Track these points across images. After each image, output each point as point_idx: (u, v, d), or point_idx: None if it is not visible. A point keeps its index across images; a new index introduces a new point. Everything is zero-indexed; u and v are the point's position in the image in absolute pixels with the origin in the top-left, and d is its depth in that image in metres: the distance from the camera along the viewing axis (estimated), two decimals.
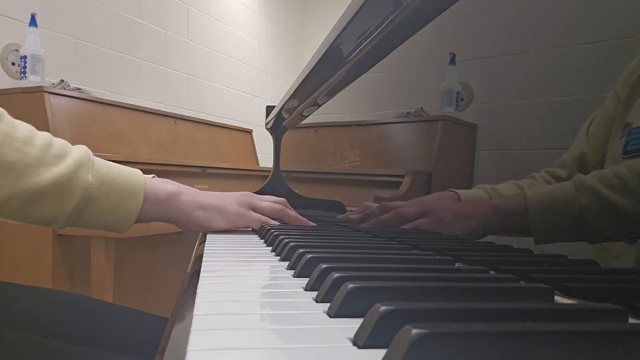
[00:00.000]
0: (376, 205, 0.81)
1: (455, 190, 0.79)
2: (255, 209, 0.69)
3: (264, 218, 0.69)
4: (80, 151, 0.57)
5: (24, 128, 0.54)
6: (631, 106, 0.66)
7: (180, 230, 0.68)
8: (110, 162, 0.60)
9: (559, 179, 0.76)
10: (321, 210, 1.16)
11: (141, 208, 0.59)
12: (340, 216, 0.90)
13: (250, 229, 0.72)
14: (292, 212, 0.74)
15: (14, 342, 0.59)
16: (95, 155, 0.61)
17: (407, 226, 0.69)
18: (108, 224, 0.59)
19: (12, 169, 0.51)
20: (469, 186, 0.93)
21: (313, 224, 0.74)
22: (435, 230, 0.67)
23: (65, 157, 0.55)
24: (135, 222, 0.63)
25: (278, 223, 0.69)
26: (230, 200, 0.67)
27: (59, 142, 0.57)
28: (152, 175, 0.80)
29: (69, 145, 0.58)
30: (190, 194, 0.64)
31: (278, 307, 0.29)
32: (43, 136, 0.56)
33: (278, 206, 0.72)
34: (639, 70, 0.65)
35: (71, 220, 0.56)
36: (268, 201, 0.73)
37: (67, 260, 1.53)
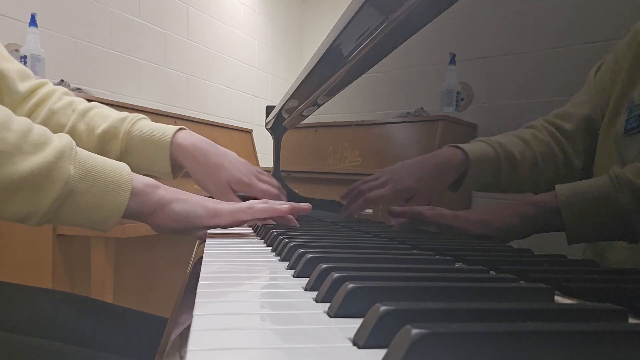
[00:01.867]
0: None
1: (460, 146, 0.73)
2: (254, 188, 0.68)
3: (257, 215, 0.62)
4: (62, 140, 0.51)
5: (0, 110, 0.48)
6: (635, 81, 0.62)
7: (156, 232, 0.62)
8: (95, 154, 0.55)
9: (563, 132, 0.71)
10: (321, 210, 1.16)
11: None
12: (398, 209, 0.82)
13: (251, 229, 0.72)
14: (285, 207, 0.67)
15: (14, 343, 0.59)
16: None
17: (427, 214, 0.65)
18: (88, 222, 0.52)
19: None
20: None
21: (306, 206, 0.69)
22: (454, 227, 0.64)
23: (46, 145, 0.49)
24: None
25: (264, 206, 0.63)
26: (208, 200, 0.62)
27: (39, 129, 0.50)
28: (179, 127, 0.79)
29: (50, 132, 0.51)
30: (168, 188, 0.59)
31: (278, 307, 0.29)
32: (21, 121, 0.49)
33: (274, 190, 0.71)
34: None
35: (47, 217, 0.50)
36: (267, 183, 0.70)
37: (67, 260, 1.53)
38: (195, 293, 0.30)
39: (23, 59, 1.75)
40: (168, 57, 2.77)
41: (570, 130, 0.68)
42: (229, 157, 0.79)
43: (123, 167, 0.54)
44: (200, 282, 0.33)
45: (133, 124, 0.78)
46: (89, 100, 0.85)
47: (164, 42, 2.75)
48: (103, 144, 0.76)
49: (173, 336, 0.24)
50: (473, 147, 0.71)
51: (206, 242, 0.55)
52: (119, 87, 2.43)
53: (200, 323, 0.24)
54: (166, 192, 0.58)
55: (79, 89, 1.92)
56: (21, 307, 0.75)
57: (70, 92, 0.84)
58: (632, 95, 0.63)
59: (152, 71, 2.66)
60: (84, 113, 0.79)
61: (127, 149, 0.76)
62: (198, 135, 0.79)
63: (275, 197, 0.73)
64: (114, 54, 2.41)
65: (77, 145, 0.53)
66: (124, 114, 0.80)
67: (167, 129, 0.77)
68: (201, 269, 0.38)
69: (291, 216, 0.68)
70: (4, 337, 0.59)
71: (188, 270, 0.42)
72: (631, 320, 0.25)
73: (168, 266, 1.94)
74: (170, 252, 1.96)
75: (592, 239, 0.55)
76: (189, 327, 0.23)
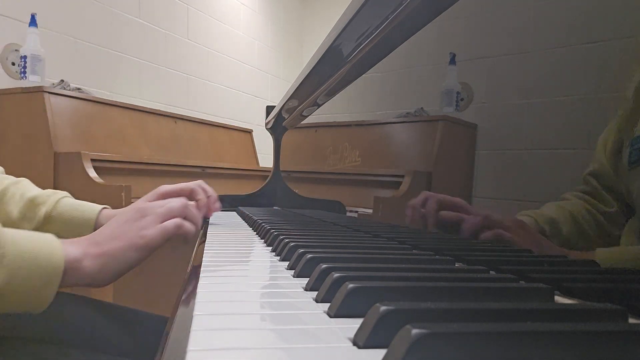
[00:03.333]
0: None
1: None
2: (161, 218, 0.61)
3: (160, 230, 0.60)
4: None
5: None
6: (637, 117, 0.63)
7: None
8: (30, 238, 0.50)
9: (585, 195, 0.73)
10: (321, 210, 1.16)
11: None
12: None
13: (251, 229, 0.72)
14: (194, 211, 0.65)
15: (18, 342, 0.59)
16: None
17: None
18: (18, 310, 0.51)
19: None
20: (469, 186, 0.92)
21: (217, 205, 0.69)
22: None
23: None
24: None
25: (175, 222, 0.61)
26: (134, 227, 0.59)
27: None
28: (103, 207, 0.76)
29: None
30: (92, 251, 0.55)
31: (278, 307, 0.29)
32: None
33: (178, 205, 0.64)
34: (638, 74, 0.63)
35: None
36: (166, 207, 0.63)
37: None
38: (195, 293, 0.30)
39: (23, 59, 1.75)
40: (168, 57, 2.77)
41: (594, 186, 0.70)
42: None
43: (55, 254, 0.51)
44: (200, 282, 0.33)
45: (62, 197, 0.77)
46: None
47: (164, 42, 2.75)
48: (32, 207, 0.74)
49: (173, 336, 0.24)
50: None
51: (206, 242, 0.55)
52: (119, 87, 2.43)
53: (200, 323, 0.24)
54: (92, 259, 0.54)
55: (79, 89, 1.92)
56: None
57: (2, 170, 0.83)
58: (634, 130, 0.63)
59: (152, 71, 2.66)
60: (17, 182, 0.80)
61: (52, 216, 0.74)
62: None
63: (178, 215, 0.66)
64: (114, 54, 2.41)
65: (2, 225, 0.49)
66: (52, 190, 0.80)
67: (93, 206, 0.77)
68: (201, 268, 0.38)
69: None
70: (8, 337, 0.59)
71: (188, 270, 0.42)
72: (631, 320, 0.25)
73: (168, 266, 1.93)
74: (170, 252, 1.96)
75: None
76: (189, 327, 0.23)
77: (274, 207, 1.34)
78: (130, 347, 0.73)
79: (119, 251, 0.56)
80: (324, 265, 0.33)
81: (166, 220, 0.61)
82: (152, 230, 0.59)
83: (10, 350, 0.57)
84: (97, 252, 0.55)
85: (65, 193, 0.81)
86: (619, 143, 0.67)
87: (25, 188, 0.79)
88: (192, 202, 0.69)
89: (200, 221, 0.65)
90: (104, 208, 0.78)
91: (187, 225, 0.62)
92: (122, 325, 0.76)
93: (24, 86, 1.69)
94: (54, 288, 0.51)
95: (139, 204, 0.68)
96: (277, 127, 1.21)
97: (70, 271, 0.52)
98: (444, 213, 0.70)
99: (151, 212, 0.62)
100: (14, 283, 0.48)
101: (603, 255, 0.55)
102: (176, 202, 0.64)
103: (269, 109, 1.25)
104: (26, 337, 0.61)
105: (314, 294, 0.31)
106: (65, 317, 0.74)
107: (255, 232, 0.69)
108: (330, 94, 0.82)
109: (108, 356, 0.62)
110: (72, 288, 0.58)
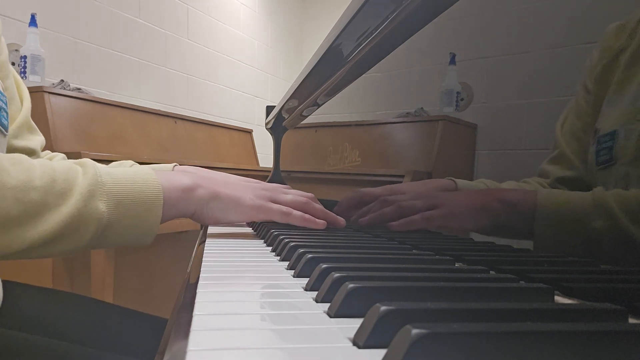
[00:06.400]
0: (372, 193, 0.76)
1: (454, 180, 0.74)
2: (276, 202, 0.63)
3: (284, 209, 0.62)
4: (87, 177, 0.51)
5: (19, 170, 0.48)
6: (600, 103, 0.63)
7: (186, 229, 0.65)
8: (120, 171, 0.54)
9: (544, 183, 0.74)
10: None
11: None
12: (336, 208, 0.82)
13: (251, 229, 0.72)
14: (319, 205, 0.67)
15: (22, 342, 0.59)
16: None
17: (416, 217, 0.64)
18: (129, 241, 0.54)
19: (17, 224, 0.46)
20: None
21: (342, 220, 0.67)
22: (444, 224, 0.64)
23: (72, 191, 0.49)
24: None
25: (301, 214, 0.62)
26: (249, 192, 0.62)
27: (62, 174, 0.50)
28: (174, 164, 0.81)
29: (74, 170, 0.51)
30: (206, 184, 0.59)
31: (278, 307, 0.29)
32: (44, 172, 0.49)
33: (302, 199, 0.65)
34: (602, 62, 0.62)
35: (90, 248, 0.52)
36: (292, 194, 0.66)
37: (67, 260, 1.53)
38: (195, 293, 0.30)
39: (23, 59, 1.75)
40: (168, 57, 2.77)
41: (550, 186, 0.70)
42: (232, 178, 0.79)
43: (152, 183, 0.54)
44: (200, 282, 0.33)
45: (131, 166, 0.83)
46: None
47: (164, 42, 2.75)
48: None
49: (173, 336, 0.24)
50: (467, 183, 0.73)
51: (206, 242, 0.55)
52: (119, 87, 2.43)
53: (200, 323, 0.24)
54: (205, 191, 0.58)
55: (79, 89, 1.92)
56: (29, 307, 0.75)
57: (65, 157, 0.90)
58: (597, 126, 0.63)
59: (152, 71, 2.66)
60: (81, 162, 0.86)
61: None
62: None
63: (300, 209, 0.67)
64: (114, 54, 2.41)
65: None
66: (120, 162, 0.86)
67: (164, 167, 0.82)
68: (201, 269, 0.38)
69: (333, 214, 0.67)
70: (12, 336, 0.60)
71: (188, 270, 0.42)
72: (631, 320, 0.25)
73: (168, 266, 1.94)
74: (170, 252, 1.96)
75: (559, 250, 0.54)
76: (189, 327, 0.23)
77: None
78: (131, 347, 0.74)
79: (226, 198, 0.59)
80: (324, 265, 0.33)
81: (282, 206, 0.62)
82: (261, 201, 0.61)
83: (18, 348, 0.58)
84: (209, 186, 0.59)
85: (132, 162, 0.85)
86: (582, 132, 0.67)
87: (93, 163, 0.82)
88: (319, 206, 0.67)
89: (314, 224, 0.63)
90: (176, 165, 0.82)
91: (296, 218, 0.62)
92: (125, 326, 0.77)
93: None
94: (158, 212, 0.54)
95: (267, 185, 0.70)
96: (277, 127, 1.21)
97: (182, 199, 0.56)
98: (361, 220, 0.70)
99: (273, 190, 0.64)
100: (119, 209, 0.51)
101: (543, 199, 0.55)
102: (301, 197, 0.65)
103: (269, 109, 1.25)
104: (33, 336, 0.62)
105: (314, 294, 0.31)
106: (71, 317, 0.74)
107: (255, 232, 0.69)
108: (330, 94, 0.82)
109: (110, 356, 0.63)
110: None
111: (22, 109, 0.81)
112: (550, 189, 0.70)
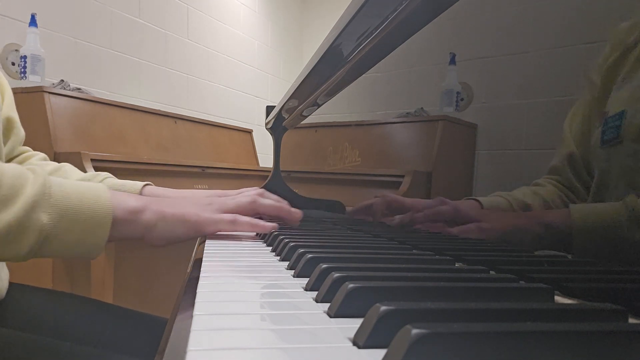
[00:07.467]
0: (401, 200, 0.78)
1: (477, 198, 0.77)
2: (225, 210, 0.63)
3: (229, 217, 0.61)
4: (35, 187, 0.50)
5: None
6: (608, 94, 0.64)
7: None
8: (73, 184, 0.53)
9: (558, 184, 0.75)
10: (321, 210, 1.16)
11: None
12: (352, 210, 0.81)
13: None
14: (268, 201, 0.66)
15: (25, 341, 0.59)
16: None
17: (472, 226, 0.66)
18: (73, 255, 0.53)
19: None
20: (469, 186, 0.92)
21: (298, 213, 0.67)
22: (492, 238, 0.65)
23: (16, 198, 0.48)
24: None
25: (247, 219, 0.62)
26: (195, 208, 0.61)
27: (9, 181, 0.49)
28: (145, 183, 0.82)
29: (23, 177, 0.50)
30: (154, 207, 0.58)
31: (278, 307, 0.29)
32: None
33: (247, 199, 0.64)
34: (612, 55, 0.63)
35: (30, 257, 0.50)
36: (238, 198, 0.65)
37: (67, 260, 1.53)
38: (195, 293, 0.30)
39: (23, 59, 1.75)
40: (168, 57, 2.77)
41: (562, 183, 0.72)
42: (193, 193, 0.83)
43: (102, 200, 0.53)
44: (200, 282, 0.33)
45: (103, 178, 0.84)
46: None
47: (164, 42, 2.75)
48: None
49: (173, 336, 0.24)
50: (489, 200, 0.75)
51: (206, 243, 0.55)
52: (119, 87, 2.43)
53: (200, 323, 0.24)
54: (151, 214, 0.57)
55: (79, 89, 1.92)
56: (29, 307, 0.75)
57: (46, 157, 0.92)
58: (606, 110, 0.64)
59: (152, 71, 2.66)
60: (58, 167, 0.86)
61: None
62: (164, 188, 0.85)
63: (249, 212, 0.67)
64: (114, 54, 2.41)
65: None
66: (94, 173, 0.87)
67: (135, 183, 0.83)
68: (201, 269, 0.38)
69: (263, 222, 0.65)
70: (12, 336, 0.60)
71: (188, 270, 0.42)
72: (631, 320, 0.25)
73: (168, 266, 1.93)
74: (170, 252, 1.96)
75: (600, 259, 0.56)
76: (189, 327, 0.23)
77: None
78: (132, 347, 0.74)
79: (171, 218, 0.59)
80: (324, 265, 0.33)
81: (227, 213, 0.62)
82: (207, 215, 0.60)
83: (21, 348, 0.58)
84: (156, 209, 0.58)
85: (107, 174, 0.86)
86: (587, 125, 0.68)
87: (67, 173, 0.84)
88: (268, 201, 0.66)
89: (262, 229, 0.62)
90: (147, 184, 0.82)
91: (242, 224, 0.61)
92: (126, 326, 0.77)
93: (24, 86, 1.69)
94: (105, 231, 0.53)
95: (217, 192, 0.73)
96: (277, 127, 1.21)
97: (129, 221, 0.56)
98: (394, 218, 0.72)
99: (218, 201, 0.64)
100: (63, 223, 0.50)
101: (576, 212, 0.56)
102: (246, 198, 0.65)
103: (269, 109, 1.25)
104: (36, 336, 0.62)
105: (314, 294, 0.31)
106: (73, 317, 0.74)
107: (255, 232, 0.69)
108: (330, 94, 0.82)
109: (111, 356, 0.63)
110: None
111: (1, 106, 0.82)
112: (582, 203, 0.71)
